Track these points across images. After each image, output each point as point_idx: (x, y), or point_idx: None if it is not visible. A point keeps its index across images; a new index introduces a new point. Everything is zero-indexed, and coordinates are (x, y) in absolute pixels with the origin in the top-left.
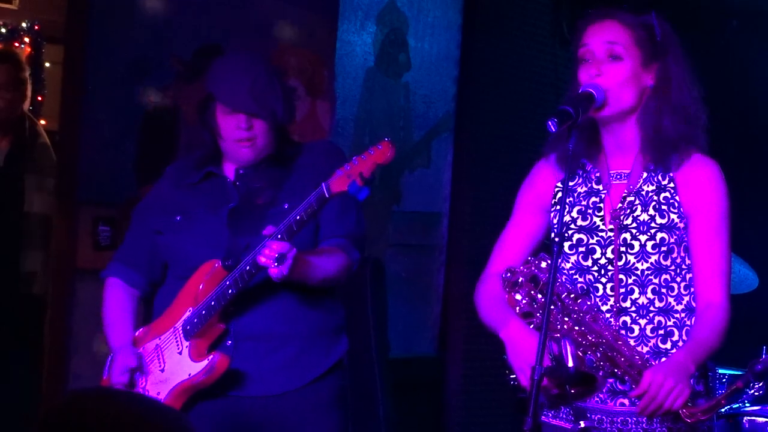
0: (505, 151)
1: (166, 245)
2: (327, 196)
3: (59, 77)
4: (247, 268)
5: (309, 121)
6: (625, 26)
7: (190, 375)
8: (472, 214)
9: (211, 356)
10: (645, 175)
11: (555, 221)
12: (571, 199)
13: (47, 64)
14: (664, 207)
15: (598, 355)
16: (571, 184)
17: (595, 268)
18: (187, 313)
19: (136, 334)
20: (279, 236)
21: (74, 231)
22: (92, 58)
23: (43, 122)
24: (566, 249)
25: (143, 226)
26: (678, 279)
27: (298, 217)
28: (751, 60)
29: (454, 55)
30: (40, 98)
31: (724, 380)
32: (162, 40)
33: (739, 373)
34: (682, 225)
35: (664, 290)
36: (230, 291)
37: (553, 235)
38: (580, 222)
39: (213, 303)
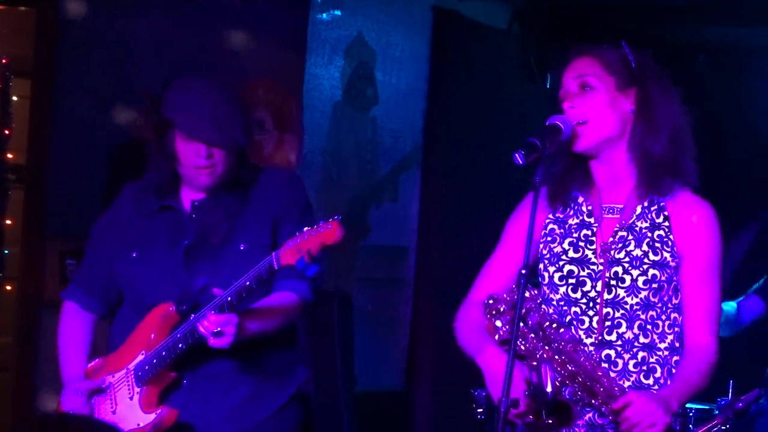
0: (473, 185)
1: (121, 276)
2: (276, 267)
3: (26, 111)
4: (195, 331)
5: (277, 154)
6: (593, 56)
7: (138, 425)
8: (440, 248)
9: (159, 410)
10: (639, 210)
11: (545, 252)
12: (562, 230)
13: (14, 98)
14: (657, 245)
15: (577, 385)
16: (562, 216)
17: (584, 300)
18: (140, 357)
19: (90, 365)
20: (228, 299)
21: (41, 264)
22: (60, 91)
23: (10, 156)
24: (556, 280)
25: (100, 249)
26: (663, 317)
27: (247, 284)
28: (719, 93)
29: (421, 89)
30: (7, 132)
31: (690, 414)
32: (130, 74)
33: (706, 407)
34: (674, 264)
35: (649, 327)
36: (180, 345)
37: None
38: (571, 254)
39: (164, 354)
